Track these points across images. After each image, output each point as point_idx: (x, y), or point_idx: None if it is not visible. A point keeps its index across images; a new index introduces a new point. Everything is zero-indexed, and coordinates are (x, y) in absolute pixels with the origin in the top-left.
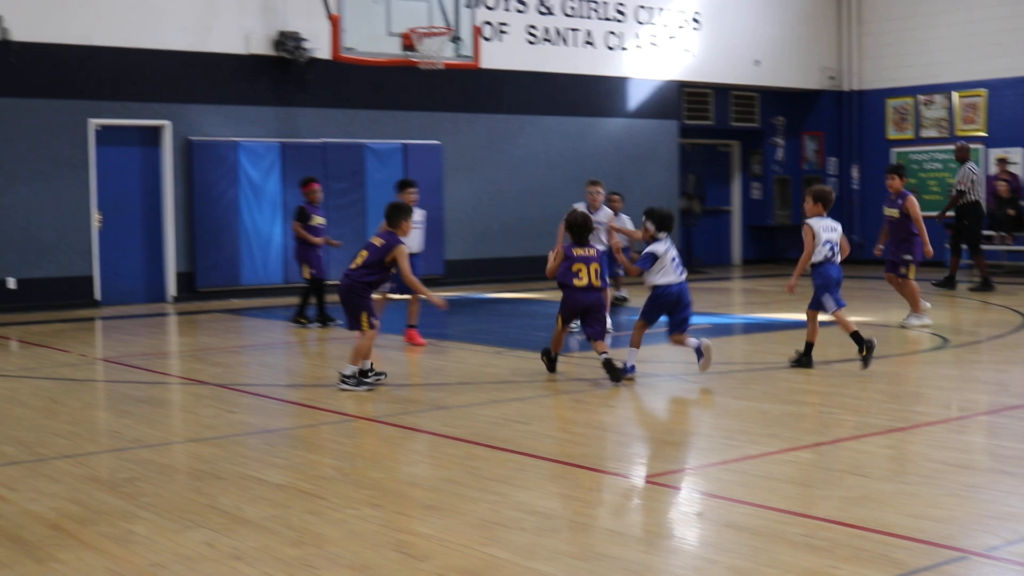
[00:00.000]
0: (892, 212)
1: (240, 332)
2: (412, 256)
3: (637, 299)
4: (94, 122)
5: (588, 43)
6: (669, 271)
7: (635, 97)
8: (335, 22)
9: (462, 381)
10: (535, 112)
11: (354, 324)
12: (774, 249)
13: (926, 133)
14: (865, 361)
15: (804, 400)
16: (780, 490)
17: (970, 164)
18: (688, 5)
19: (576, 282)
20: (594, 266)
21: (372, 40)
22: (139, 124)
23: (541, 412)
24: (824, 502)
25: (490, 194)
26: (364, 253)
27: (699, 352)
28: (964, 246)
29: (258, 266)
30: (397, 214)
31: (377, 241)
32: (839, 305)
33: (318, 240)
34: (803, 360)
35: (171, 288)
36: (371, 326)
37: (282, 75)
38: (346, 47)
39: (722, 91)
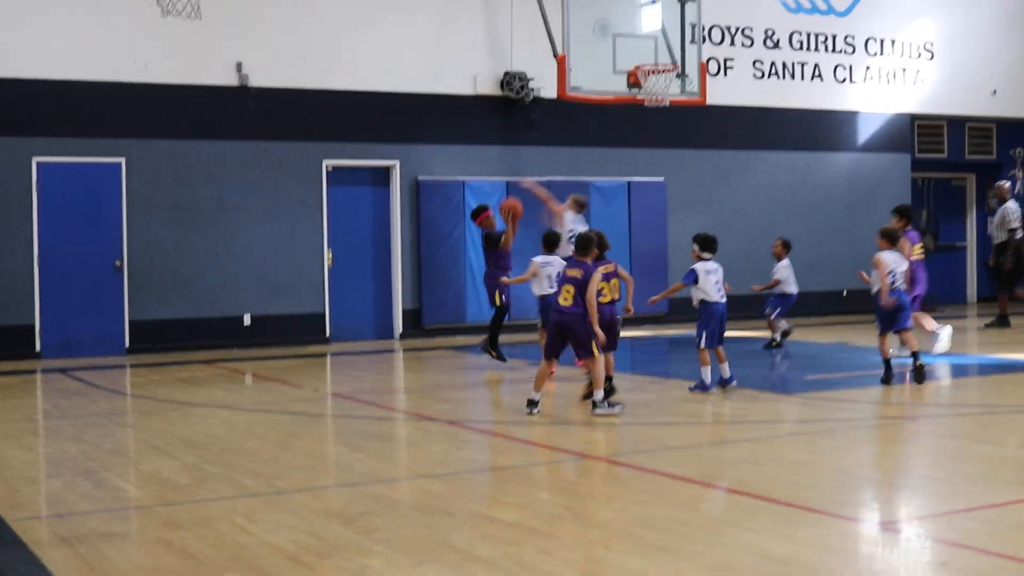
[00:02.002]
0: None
1: (466, 369)
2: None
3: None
4: (327, 163)
5: (816, 76)
6: (711, 291)
7: (865, 131)
8: (561, 62)
9: (690, 420)
10: (761, 147)
11: (586, 352)
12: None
13: None
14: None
15: None
16: None
17: (1011, 203)
18: (921, 35)
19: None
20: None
21: (598, 78)
22: (369, 165)
23: (772, 453)
24: None
25: (715, 231)
26: (570, 288)
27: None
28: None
29: (483, 303)
30: (587, 244)
31: (576, 272)
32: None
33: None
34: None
35: (399, 325)
36: (601, 350)
37: (508, 114)
38: (572, 86)
39: (957, 123)
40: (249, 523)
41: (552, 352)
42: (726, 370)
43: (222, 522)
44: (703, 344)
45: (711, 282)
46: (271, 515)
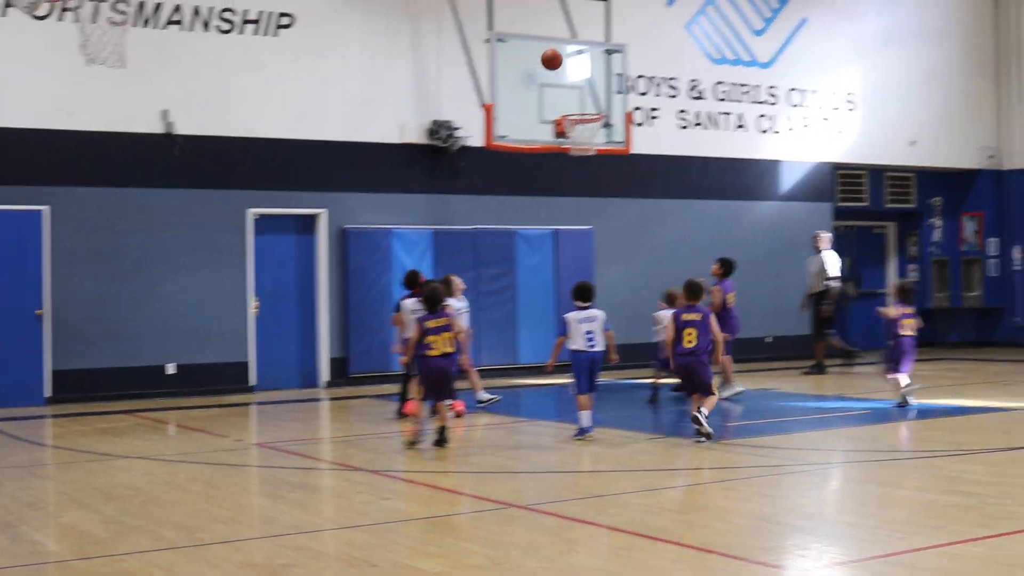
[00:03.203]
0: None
1: (392, 418)
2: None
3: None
4: (253, 211)
5: (740, 126)
6: (578, 340)
7: (788, 180)
8: (488, 111)
9: (615, 468)
10: (687, 196)
11: (709, 390)
12: (932, 333)
13: None
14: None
15: (969, 490)
16: None
17: (828, 253)
18: (842, 87)
19: (429, 352)
20: (446, 335)
21: (524, 127)
22: (295, 213)
23: (696, 500)
24: None
25: (641, 279)
26: (693, 331)
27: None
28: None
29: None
30: (698, 291)
31: (696, 316)
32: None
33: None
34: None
35: (324, 373)
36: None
37: (435, 163)
38: (499, 135)
39: (877, 172)
40: None
41: None
42: (585, 419)
43: None
44: (574, 391)
45: (581, 331)
46: (192, 568)
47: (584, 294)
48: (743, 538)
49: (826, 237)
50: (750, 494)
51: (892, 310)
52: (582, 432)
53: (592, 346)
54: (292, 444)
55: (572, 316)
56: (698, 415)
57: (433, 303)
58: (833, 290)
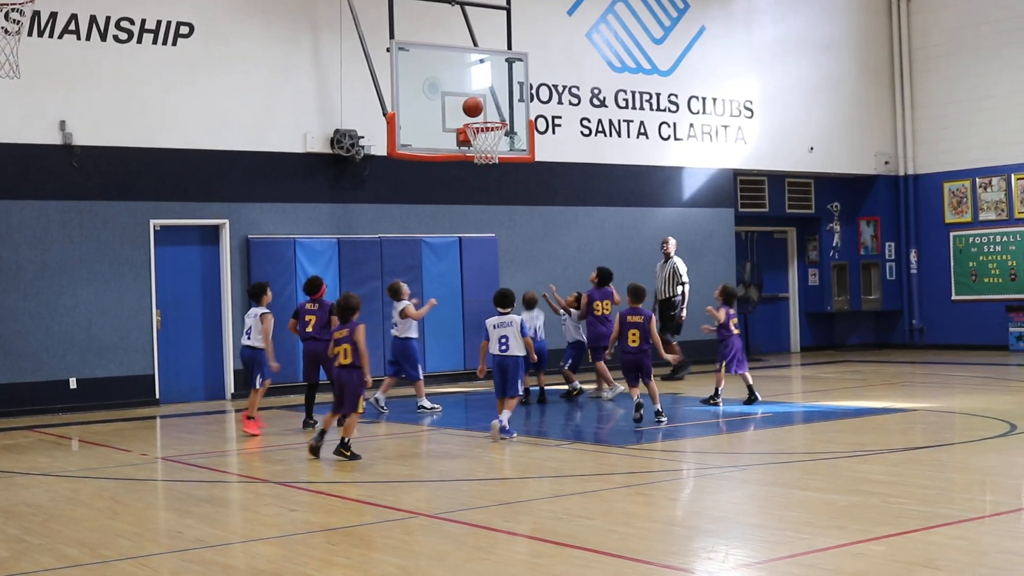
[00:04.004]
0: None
1: (299, 428)
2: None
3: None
4: (154, 222)
5: (642, 134)
6: (494, 344)
7: (690, 186)
8: (391, 120)
9: (523, 475)
10: (590, 203)
11: (650, 378)
12: (833, 336)
13: (985, 216)
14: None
15: (870, 490)
16: None
17: (678, 259)
18: (740, 94)
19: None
20: (345, 346)
21: (427, 136)
22: (198, 223)
23: (604, 506)
24: None
25: (546, 285)
26: (636, 332)
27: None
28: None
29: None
30: (641, 294)
31: (639, 318)
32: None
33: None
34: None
35: (230, 385)
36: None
37: (339, 172)
38: (402, 143)
39: (777, 178)
40: None
41: None
42: (504, 419)
43: None
44: (497, 393)
45: (496, 336)
46: None
47: (503, 300)
48: (651, 542)
49: (674, 243)
50: (657, 498)
51: (721, 313)
52: (505, 432)
53: (505, 351)
54: (198, 457)
55: (490, 322)
56: (656, 407)
57: (344, 313)
58: (682, 297)
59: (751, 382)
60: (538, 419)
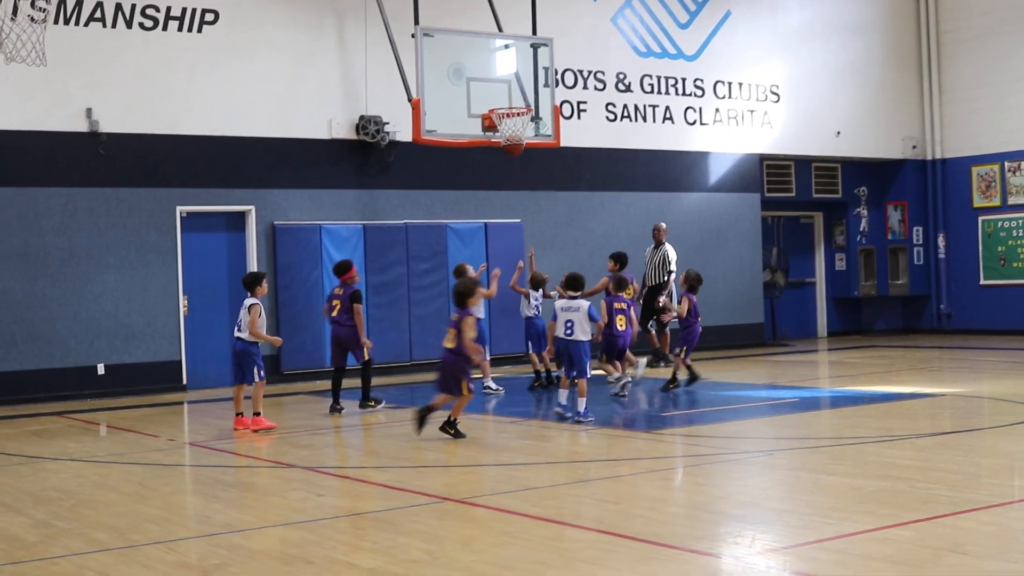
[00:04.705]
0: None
1: (326, 414)
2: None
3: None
4: (181, 209)
5: (667, 119)
6: (560, 327)
7: (715, 171)
8: (416, 106)
9: (550, 460)
10: (615, 188)
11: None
12: (860, 321)
13: (1014, 200)
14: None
15: (898, 475)
16: (879, 570)
17: (668, 246)
18: (767, 79)
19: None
20: (453, 330)
21: (453, 122)
22: (224, 210)
23: (630, 490)
24: None
25: (571, 271)
26: (623, 317)
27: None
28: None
29: None
30: (623, 284)
31: (623, 305)
32: None
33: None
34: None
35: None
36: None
37: (364, 158)
38: (427, 129)
39: (803, 163)
40: None
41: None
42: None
43: None
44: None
45: (562, 320)
46: (125, 570)
47: (573, 283)
48: (677, 527)
49: (665, 228)
50: (683, 483)
51: (684, 305)
52: (580, 416)
53: (569, 335)
54: (225, 442)
55: (558, 305)
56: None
57: (457, 298)
58: (668, 283)
59: (686, 365)
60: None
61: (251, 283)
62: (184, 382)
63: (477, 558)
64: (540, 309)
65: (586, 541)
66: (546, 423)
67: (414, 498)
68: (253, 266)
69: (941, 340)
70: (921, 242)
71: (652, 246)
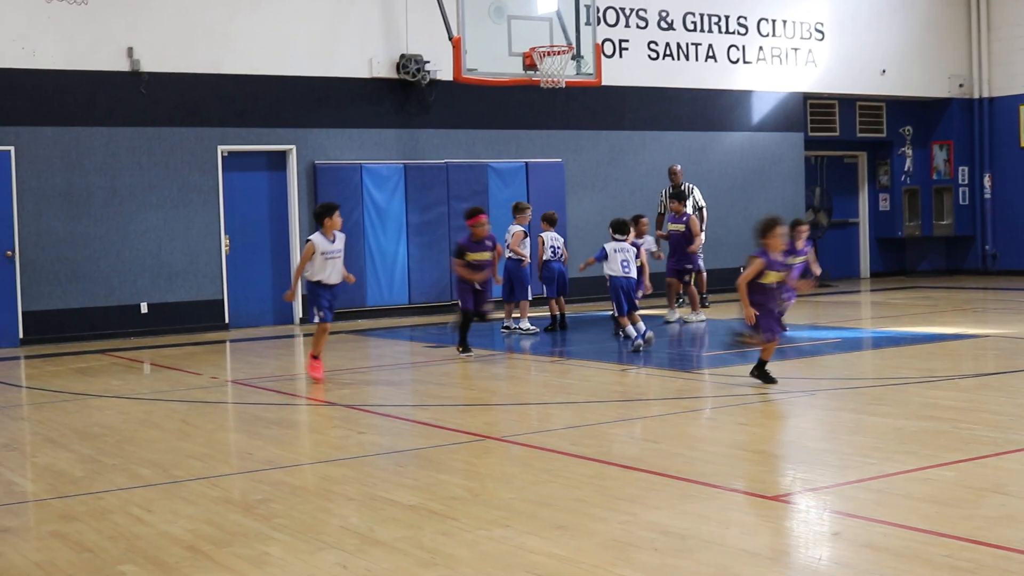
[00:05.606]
0: (678, 227)
1: (367, 353)
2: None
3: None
4: (222, 148)
5: (710, 57)
6: (616, 267)
7: (758, 110)
8: (456, 44)
9: (589, 399)
10: (657, 128)
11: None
12: (903, 261)
13: None
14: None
15: (940, 416)
16: (920, 509)
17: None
18: (811, 16)
19: None
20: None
21: (493, 60)
22: (265, 149)
23: (670, 430)
24: (966, 522)
25: (613, 210)
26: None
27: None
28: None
29: (383, 287)
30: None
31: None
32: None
33: (474, 276)
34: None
35: (298, 310)
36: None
37: (404, 97)
38: (468, 68)
39: (848, 102)
40: (146, 514)
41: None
42: (638, 329)
43: (118, 513)
44: (617, 313)
45: (618, 260)
46: (168, 505)
47: (621, 227)
48: (717, 466)
49: (680, 169)
50: (723, 423)
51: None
52: (633, 340)
53: (627, 273)
54: (267, 381)
55: (610, 247)
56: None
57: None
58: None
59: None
60: (601, 345)
61: (318, 215)
62: (226, 321)
63: (517, 495)
64: (556, 251)
65: (626, 479)
66: (583, 362)
67: (455, 436)
68: (294, 206)
69: (986, 281)
70: (967, 182)
71: (668, 188)
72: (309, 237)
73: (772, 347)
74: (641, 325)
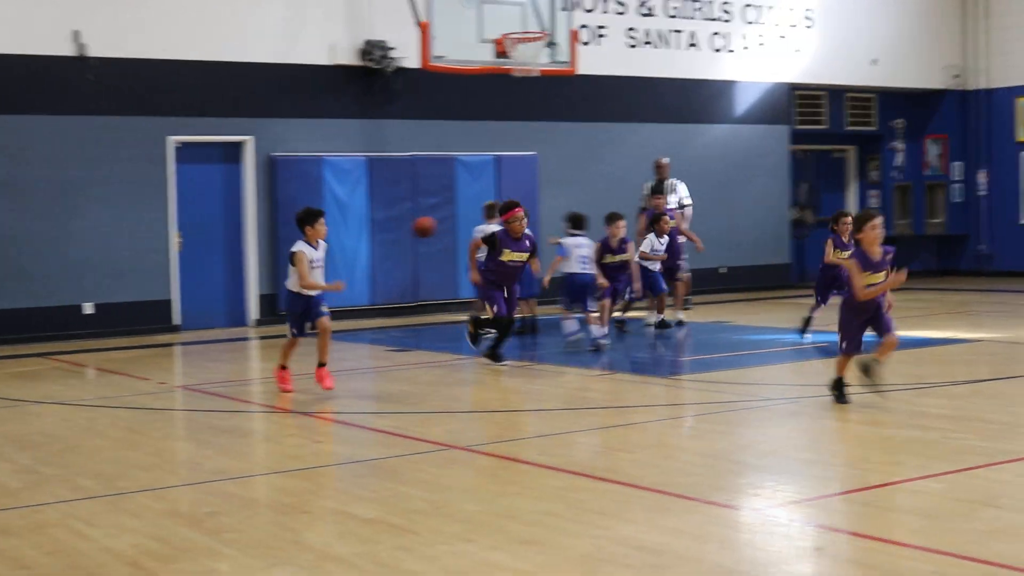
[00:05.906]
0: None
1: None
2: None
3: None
4: (173, 139)
5: (692, 45)
6: (574, 264)
7: (742, 101)
8: (424, 29)
9: (561, 407)
10: (635, 119)
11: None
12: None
13: None
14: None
15: (930, 425)
16: (907, 523)
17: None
18: (799, 2)
19: None
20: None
21: (463, 47)
22: (220, 140)
23: (645, 439)
24: (956, 536)
25: (588, 206)
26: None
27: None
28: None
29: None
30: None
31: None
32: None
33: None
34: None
35: (253, 311)
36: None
37: (368, 86)
38: (436, 55)
39: (837, 93)
40: (88, 528)
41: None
42: (596, 330)
43: (59, 528)
44: (570, 309)
45: (576, 256)
46: (112, 518)
47: (579, 222)
48: (695, 477)
49: (667, 162)
50: (702, 431)
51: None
52: (594, 340)
53: (585, 269)
54: (219, 386)
55: (570, 242)
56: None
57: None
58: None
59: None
60: (574, 349)
61: (301, 220)
62: (176, 322)
63: (481, 508)
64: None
65: (598, 491)
66: (553, 367)
67: (417, 445)
68: (250, 201)
69: (979, 282)
70: (961, 178)
71: (652, 182)
72: (293, 248)
73: (848, 362)
74: (603, 329)
